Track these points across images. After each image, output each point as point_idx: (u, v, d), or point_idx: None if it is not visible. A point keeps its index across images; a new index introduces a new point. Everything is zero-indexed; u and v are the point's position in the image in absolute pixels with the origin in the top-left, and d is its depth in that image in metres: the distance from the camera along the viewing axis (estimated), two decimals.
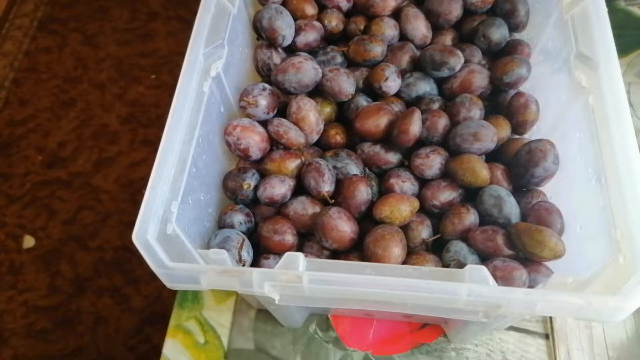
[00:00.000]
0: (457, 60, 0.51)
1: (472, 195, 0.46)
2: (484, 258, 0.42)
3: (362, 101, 0.52)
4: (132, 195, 1.31)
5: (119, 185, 1.33)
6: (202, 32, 0.46)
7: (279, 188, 0.46)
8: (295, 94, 0.51)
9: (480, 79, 0.51)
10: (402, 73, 0.53)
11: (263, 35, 0.53)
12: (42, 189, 1.33)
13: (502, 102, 0.53)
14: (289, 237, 0.45)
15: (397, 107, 0.52)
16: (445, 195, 0.46)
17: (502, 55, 0.53)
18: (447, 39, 0.57)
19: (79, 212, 1.29)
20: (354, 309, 0.49)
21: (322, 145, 0.52)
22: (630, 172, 0.37)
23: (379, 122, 0.48)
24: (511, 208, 0.43)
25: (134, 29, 1.61)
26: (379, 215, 0.44)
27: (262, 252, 0.46)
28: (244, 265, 0.43)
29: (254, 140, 0.48)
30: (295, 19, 0.54)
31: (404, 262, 0.43)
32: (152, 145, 1.39)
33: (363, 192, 0.45)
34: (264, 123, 0.49)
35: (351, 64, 0.55)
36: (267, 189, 0.46)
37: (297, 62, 0.49)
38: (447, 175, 0.47)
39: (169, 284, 0.36)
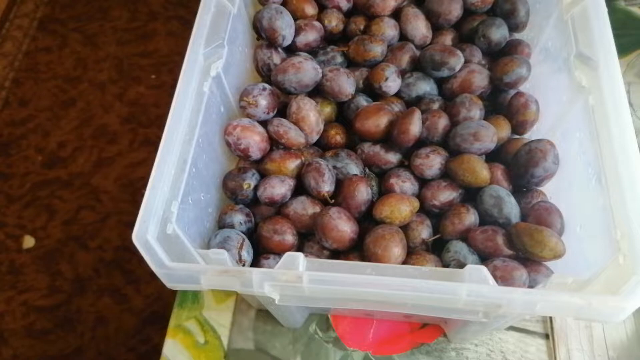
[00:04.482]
0: (457, 60, 0.51)
1: (472, 195, 0.46)
2: (484, 258, 0.42)
3: (362, 101, 0.52)
4: (132, 195, 1.31)
5: (119, 185, 1.33)
6: (202, 32, 0.46)
7: (279, 188, 0.46)
8: (295, 94, 0.51)
9: (480, 79, 0.51)
10: (402, 73, 0.53)
11: (263, 35, 0.53)
12: (42, 189, 1.33)
13: (502, 102, 0.53)
14: (289, 237, 0.45)
15: (397, 107, 0.52)
16: (445, 195, 0.46)
17: (502, 55, 0.53)
18: (447, 39, 0.57)
19: (79, 212, 1.29)
20: (354, 309, 0.49)
21: (322, 145, 0.52)
22: (630, 172, 0.37)
23: (379, 122, 0.48)
24: (511, 208, 0.43)
25: (134, 29, 1.61)
26: (379, 215, 0.44)
27: (262, 252, 0.46)
28: (244, 265, 0.43)
29: (254, 140, 0.48)
30: (295, 19, 0.54)
31: (404, 262, 0.43)
32: (152, 145, 1.39)
33: (363, 192, 0.45)
34: (264, 123, 0.49)
35: (351, 64, 0.55)
36: (267, 189, 0.46)
37: (297, 62, 0.49)
38: (447, 175, 0.47)
39: (169, 284, 0.36)
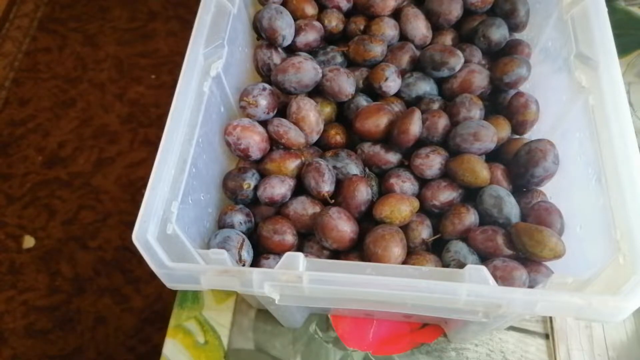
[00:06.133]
0: (457, 60, 0.51)
1: (472, 195, 0.46)
2: (484, 258, 0.42)
3: (362, 101, 0.52)
4: (132, 195, 1.31)
5: (119, 185, 1.33)
6: (202, 32, 0.46)
7: (279, 188, 0.46)
8: (295, 94, 0.51)
9: (480, 79, 0.51)
10: (402, 73, 0.53)
11: (263, 35, 0.53)
12: (42, 189, 1.33)
13: (502, 102, 0.53)
14: (289, 237, 0.45)
15: (397, 107, 0.52)
16: (445, 195, 0.46)
17: (502, 55, 0.53)
18: (447, 39, 0.57)
19: (79, 212, 1.29)
20: (354, 309, 0.49)
21: (322, 145, 0.52)
22: (630, 172, 0.37)
23: (379, 122, 0.48)
24: (511, 208, 0.43)
25: (134, 29, 1.61)
26: (379, 215, 0.44)
27: (262, 252, 0.46)
28: (244, 265, 0.43)
29: (254, 140, 0.48)
30: (295, 19, 0.54)
31: (404, 262, 0.43)
32: (152, 145, 1.39)
33: (363, 192, 0.45)
34: (264, 123, 0.49)
35: (351, 64, 0.55)
36: (267, 189, 0.46)
37: (297, 62, 0.49)
38: (447, 175, 0.47)
39: (169, 284, 0.36)
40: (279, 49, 0.54)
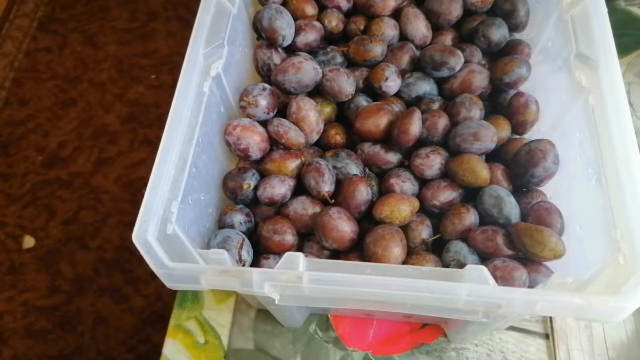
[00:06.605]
0: (457, 60, 0.51)
1: (472, 195, 0.46)
2: (484, 258, 0.42)
3: (362, 101, 0.52)
4: (132, 195, 1.31)
5: (119, 185, 1.33)
6: (202, 32, 0.46)
7: (279, 188, 0.46)
8: (295, 94, 0.51)
9: (480, 79, 0.51)
10: (402, 73, 0.53)
11: (263, 35, 0.53)
12: (42, 189, 1.33)
13: (502, 102, 0.53)
14: (289, 237, 0.45)
15: (397, 107, 0.52)
16: (445, 195, 0.46)
17: (502, 55, 0.53)
18: (447, 39, 0.57)
19: (79, 212, 1.29)
20: (354, 309, 0.49)
21: (322, 145, 0.52)
22: (630, 172, 0.37)
23: (379, 122, 0.48)
24: (511, 208, 0.43)
25: (134, 29, 1.61)
26: (379, 215, 0.44)
27: (262, 252, 0.46)
28: (244, 265, 0.43)
29: (254, 140, 0.48)
30: (295, 19, 0.54)
31: (404, 262, 0.43)
32: (152, 145, 1.39)
33: (363, 192, 0.45)
34: (264, 123, 0.49)
35: (351, 64, 0.55)
36: (267, 189, 0.46)
37: (297, 62, 0.49)
38: (447, 175, 0.47)
39: (169, 284, 0.36)
40: (279, 49, 0.54)
